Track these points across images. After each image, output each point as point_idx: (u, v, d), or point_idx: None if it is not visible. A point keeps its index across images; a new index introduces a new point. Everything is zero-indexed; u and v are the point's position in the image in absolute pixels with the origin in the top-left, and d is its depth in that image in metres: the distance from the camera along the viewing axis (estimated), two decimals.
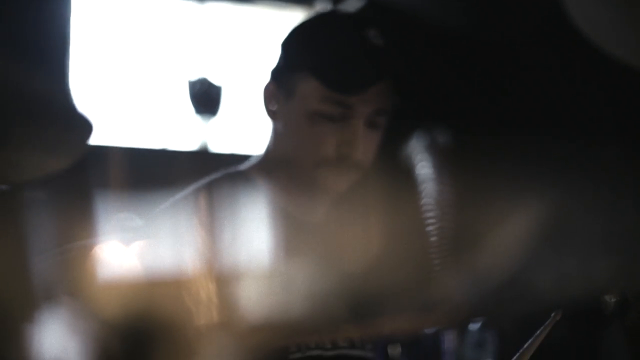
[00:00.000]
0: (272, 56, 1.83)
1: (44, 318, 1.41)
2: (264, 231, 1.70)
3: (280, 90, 1.81)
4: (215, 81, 3.67)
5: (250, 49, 3.83)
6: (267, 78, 1.84)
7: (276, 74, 1.83)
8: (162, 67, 3.68)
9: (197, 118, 3.61)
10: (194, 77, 3.64)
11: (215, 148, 3.56)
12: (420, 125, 1.89)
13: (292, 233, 1.77)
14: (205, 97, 3.62)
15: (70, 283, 1.40)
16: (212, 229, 1.60)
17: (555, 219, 3.01)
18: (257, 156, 1.85)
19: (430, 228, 1.87)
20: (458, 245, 1.90)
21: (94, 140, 3.31)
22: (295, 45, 1.85)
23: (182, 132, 3.59)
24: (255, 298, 1.55)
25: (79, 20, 3.37)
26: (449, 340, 3.26)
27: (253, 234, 1.67)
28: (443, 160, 1.85)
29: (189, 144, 3.56)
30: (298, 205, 1.80)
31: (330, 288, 1.66)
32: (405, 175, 1.88)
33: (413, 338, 3.10)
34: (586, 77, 3.68)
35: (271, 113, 1.82)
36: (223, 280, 1.55)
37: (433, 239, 1.86)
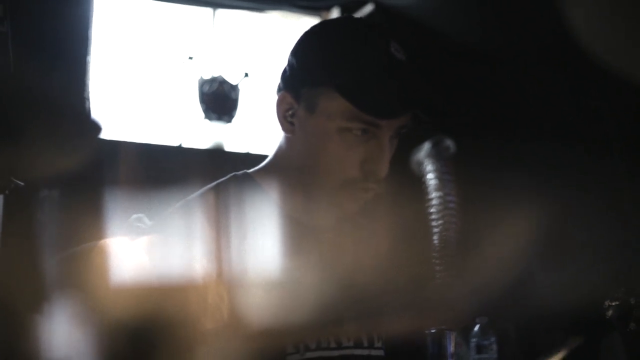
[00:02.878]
0: (285, 64, 1.76)
1: (54, 315, 1.38)
2: (269, 236, 1.66)
3: (299, 102, 1.72)
4: (230, 81, 3.65)
5: (262, 55, 3.81)
6: (279, 87, 1.76)
7: (293, 85, 1.73)
8: (178, 68, 3.66)
9: (212, 117, 3.60)
10: (209, 77, 3.63)
11: (230, 147, 3.55)
12: (428, 134, 1.84)
13: (298, 239, 1.72)
14: (221, 97, 3.61)
15: (80, 281, 1.36)
16: (219, 231, 1.56)
17: (557, 226, 2.98)
18: (267, 160, 1.78)
19: (435, 233, 1.82)
20: (462, 250, 1.86)
21: (109, 137, 3.32)
22: (316, 57, 1.72)
23: (197, 130, 3.57)
24: (261, 300, 1.52)
25: (99, 21, 3.35)
26: (452, 341, 3.23)
27: (259, 238, 1.63)
28: (450, 168, 1.80)
29: (204, 143, 3.54)
30: (306, 211, 1.74)
31: (336, 292, 1.62)
32: (412, 181, 1.84)
33: (416, 339, 3.07)
34: (591, 89, 3.65)
35: (287, 125, 1.73)
36: (228, 282, 1.51)
37: (437, 243, 1.82)
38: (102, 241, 1.41)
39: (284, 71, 1.75)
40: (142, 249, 1.43)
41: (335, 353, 1.70)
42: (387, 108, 1.65)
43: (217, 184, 1.73)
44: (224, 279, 1.51)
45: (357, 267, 1.70)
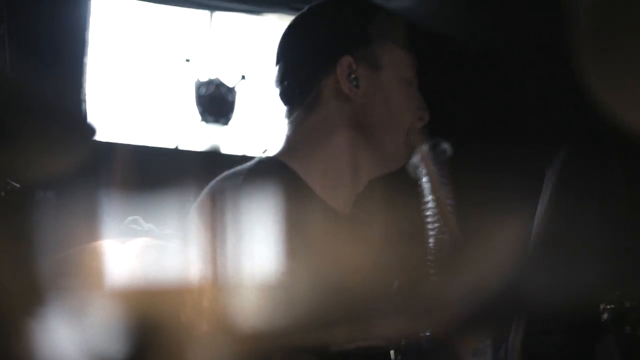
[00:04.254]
0: (320, 32, 1.75)
1: (47, 317, 1.36)
2: (300, 220, 1.63)
3: (362, 63, 1.74)
4: (227, 84, 3.63)
5: (259, 57, 3.79)
6: (339, 53, 1.75)
7: (353, 47, 1.73)
8: (174, 70, 3.64)
9: (209, 120, 3.57)
10: (206, 79, 3.61)
11: (227, 150, 3.53)
12: (424, 137, 1.83)
13: (328, 224, 1.71)
14: (217, 99, 3.59)
15: (75, 283, 1.34)
16: (246, 219, 1.53)
17: (552, 229, 2.96)
18: (292, 142, 1.75)
19: (431, 236, 1.81)
20: (457, 252, 1.84)
21: (105, 139, 3.29)
22: (377, 18, 1.79)
23: (194, 133, 3.55)
24: (291, 298, 1.49)
25: (96, 23, 3.32)
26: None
27: (288, 223, 1.60)
28: (446, 171, 1.79)
29: (200, 145, 3.52)
30: (334, 195, 1.73)
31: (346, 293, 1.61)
32: (409, 183, 1.82)
33: (410, 343, 3.05)
34: (588, 91, 3.62)
35: (352, 87, 1.74)
36: (252, 278, 1.49)
37: (433, 246, 1.80)
38: (97, 243, 1.39)
39: (324, 39, 1.76)
40: (139, 251, 1.41)
41: (363, 345, 1.69)
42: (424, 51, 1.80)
43: (248, 172, 1.69)
44: (255, 278, 1.48)
45: (357, 268, 1.68)
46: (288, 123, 1.81)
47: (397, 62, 1.77)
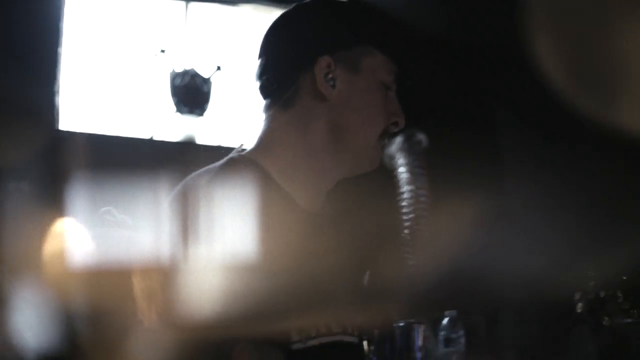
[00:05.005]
0: (300, 30, 1.77)
1: (14, 302, 1.34)
2: (268, 218, 1.63)
3: (337, 64, 1.75)
4: (202, 74, 3.61)
5: (234, 48, 3.77)
6: (319, 53, 1.76)
7: (334, 48, 1.75)
8: (150, 61, 3.61)
9: (184, 110, 3.55)
10: (181, 70, 3.59)
11: (202, 140, 3.51)
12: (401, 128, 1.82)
13: (296, 223, 1.71)
14: (192, 90, 3.57)
15: (41, 268, 1.33)
16: (215, 215, 1.53)
17: (528, 218, 2.97)
18: (263, 140, 1.76)
19: (406, 227, 1.80)
20: (432, 242, 1.84)
21: (81, 129, 3.27)
22: (360, 21, 1.80)
23: (169, 123, 3.53)
24: (256, 289, 1.48)
25: (71, 13, 3.30)
26: (420, 334, 3.21)
27: (256, 221, 1.60)
28: (422, 162, 1.78)
29: (175, 136, 3.50)
30: (304, 193, 1.74)
31: (327, 280, 1.60)
32: (384, 175, 1.81)
33: (383, 331, 3.05)
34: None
35: (328, 87, 1.75)
36: (220, 272, 1.48)
37: (408, 236, 1.80)
38: (57, 226, 1.38)
39: (306, 37, 1.78)
40: (100, 237, 1.40)
41: (328, 340, 1.69)
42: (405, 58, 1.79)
43: (218, 170, 1.69)
44: (218, 268, 1.48)
45: (325, 264, 1.68)
46: (264, 118, 1.80)
47: (376, 66, 1.77)
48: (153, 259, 1.41)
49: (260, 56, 1.82)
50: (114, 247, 1.42)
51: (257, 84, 1.81)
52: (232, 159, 1.72)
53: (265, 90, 1.80)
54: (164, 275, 1.39)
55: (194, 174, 1.66)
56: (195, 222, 1.51)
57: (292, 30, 1.80)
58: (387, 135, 1.77)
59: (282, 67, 1.78)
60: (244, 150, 1.77)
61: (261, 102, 1.81)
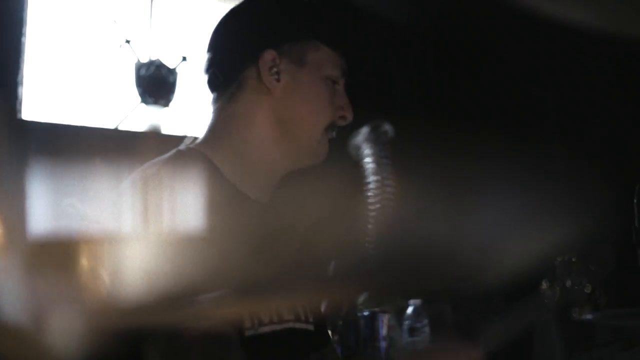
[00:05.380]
0: (249, 23, 1.77)
1: None
2: (213, 208, 1.63)
3: (282, 57, 1.76)
4: (168, 65, 3.58)
5: (200, 39, 3.74)
6: (263, 46, 1.76)
7: (278, 42, 1.77)
8: (115, 51, 3.58)
9: (149, 101, 3.52)
10: (146, 60, 3.56)
11: (167, 131, 3.49)
12: (366, 118, 1.83)
13: (242, 212, 1.71)
14: (158, 81, 3.54)
15: None
16: (162, 205, 1.53)
17: (495, 207, 2.98)
18: (211, 133, 1.76)
19: (372, 216, 1.81)
20: (398, 232, 1.85)
21: (44, 119, 3.23)
22: (306, 15, 1.82)
23: (134, 114, 3.50)
24: (207, 276, 1.48)
25: (35, 2, 3.26)
26: (384, 324, 3.22)
27: (201, 211, 1.61)
28: (388, 152, 1.79)
29: (140, 126, 3.48)
30: (251, 184, 1.74)
31: (278, 266, 1.60)
32: (349, 165, 1.82)
33: (347, 320, 3.05)
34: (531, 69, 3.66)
35: (272, 80, 1.76)
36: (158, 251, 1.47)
37: (372, 226, 1.81)
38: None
39: (251, 31, 1.79)
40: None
41: (279, 327, 1.70)
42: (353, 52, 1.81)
43: (165, 161, 1.69)
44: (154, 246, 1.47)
45: (292, 245, 1.69)
46: (212, 111, 1.82)
47: (321, 60, 1.79)
48: (100, 244, 1.41)
49: (208, 50, 1.85)
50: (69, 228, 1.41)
51: (205, 77, 1.83)
52: (179, 151, 1.74)
53: (212, 84, 1.83)
54: (109, 262, 1.39)
55: (142, 166, 1.67)
56: (141, 212, 1.51)
57: (238, 24, 1.82)
58: (334, 129, 1.78)
59: (228, 61, 1.81)
60: (192, 142, 1.79)
61: (209, 96, 1.84)
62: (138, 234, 1.48)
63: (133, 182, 1.64)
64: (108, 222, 1.51)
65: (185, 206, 1.59)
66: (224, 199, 1.68)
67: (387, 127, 1.83)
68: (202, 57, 1.85)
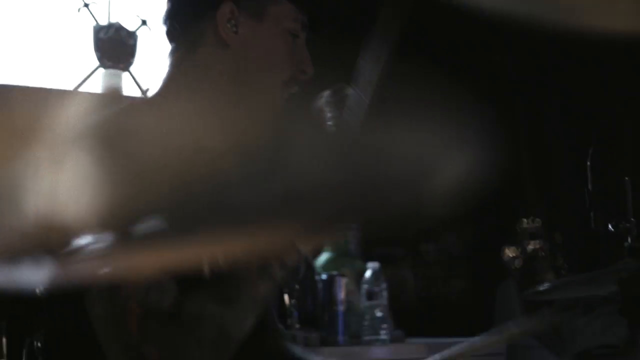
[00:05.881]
0: None
1: None
2: (168, 157, 1.60)
3: (244, 10, 1.74)
4: (127, 28, 3.53)
5: (160, 1, 3.69)
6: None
7: None
8: (73, 14, 3.53)
9: (107, 64, 3.47)
10: (106, 23, 3.50)
11: (126, 93, 3.45)
12: (328, 82, 1.81)
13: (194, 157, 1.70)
14: (117, 44, 3.49)
15: None
16: (111, 156, 1.51)
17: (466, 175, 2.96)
18: (164, 84, 1.75)
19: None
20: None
21: (1, 81, 3.18)
22: None
23: (93, 77, 3.46)
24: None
25: None
26: (342, 287, 3.21)
27: (157, 160, 1.58)
28: (349, 114, 1.78)
29: (99, 89, 3.43)
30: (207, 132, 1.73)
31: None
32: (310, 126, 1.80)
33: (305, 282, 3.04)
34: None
35: (230, 34, 1.74)
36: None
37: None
38: None
39: None
40: None
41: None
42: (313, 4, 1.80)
43: (117, 112, 1.67)
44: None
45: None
46: (169, 62, 1.80)
47: (281, 14, 1.77)
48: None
49: (168, 1, 1.83)
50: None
51: (164, 28, 1.82)
52: (131, 103, 1.73)
53: (170, 35, 1.82)
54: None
55: (94, 116, 1.64)
56: (91, 164, 1.49)
57: None
58: (294, 83, 1.77)
59: (186, 13, 1.79)
60: (147, 94, 1.78)
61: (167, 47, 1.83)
62: (90, 188, 1.46)
63: (83, 133, 1.62)
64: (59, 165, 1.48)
65: (136, 155, 1.56)
66: (176, 145, 1.67)
67: (349, 90, 1.82)
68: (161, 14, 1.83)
